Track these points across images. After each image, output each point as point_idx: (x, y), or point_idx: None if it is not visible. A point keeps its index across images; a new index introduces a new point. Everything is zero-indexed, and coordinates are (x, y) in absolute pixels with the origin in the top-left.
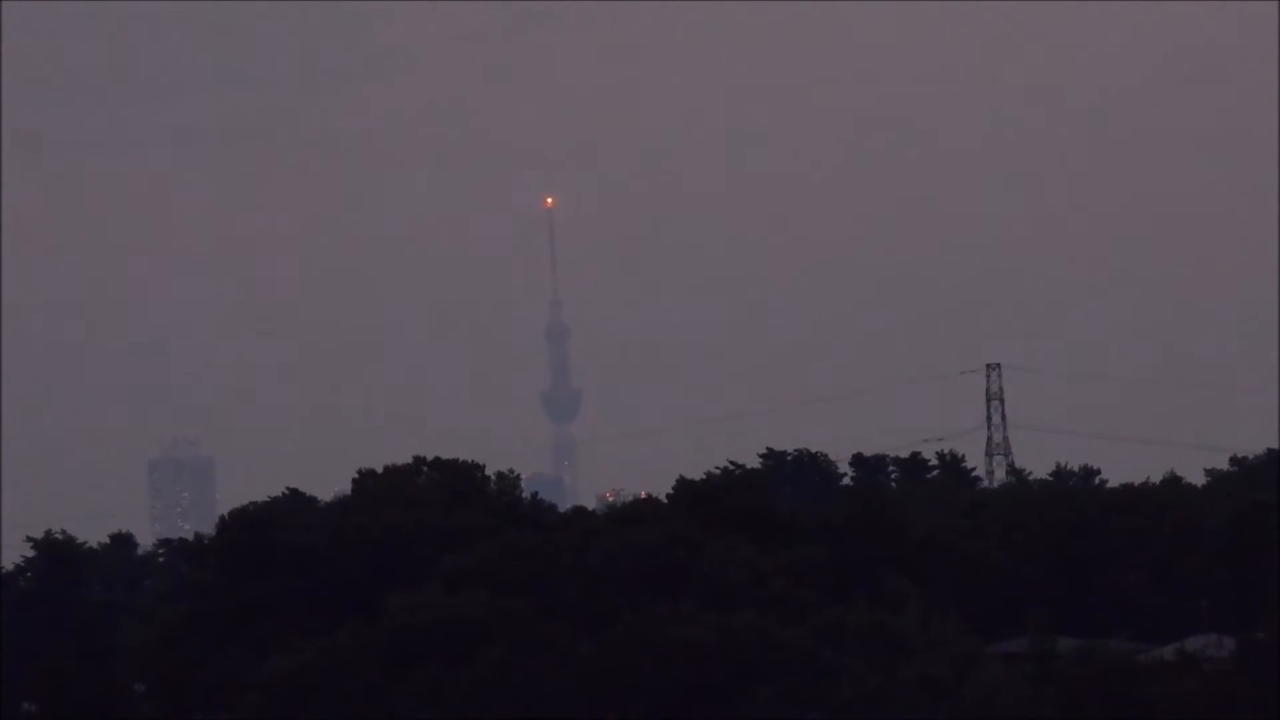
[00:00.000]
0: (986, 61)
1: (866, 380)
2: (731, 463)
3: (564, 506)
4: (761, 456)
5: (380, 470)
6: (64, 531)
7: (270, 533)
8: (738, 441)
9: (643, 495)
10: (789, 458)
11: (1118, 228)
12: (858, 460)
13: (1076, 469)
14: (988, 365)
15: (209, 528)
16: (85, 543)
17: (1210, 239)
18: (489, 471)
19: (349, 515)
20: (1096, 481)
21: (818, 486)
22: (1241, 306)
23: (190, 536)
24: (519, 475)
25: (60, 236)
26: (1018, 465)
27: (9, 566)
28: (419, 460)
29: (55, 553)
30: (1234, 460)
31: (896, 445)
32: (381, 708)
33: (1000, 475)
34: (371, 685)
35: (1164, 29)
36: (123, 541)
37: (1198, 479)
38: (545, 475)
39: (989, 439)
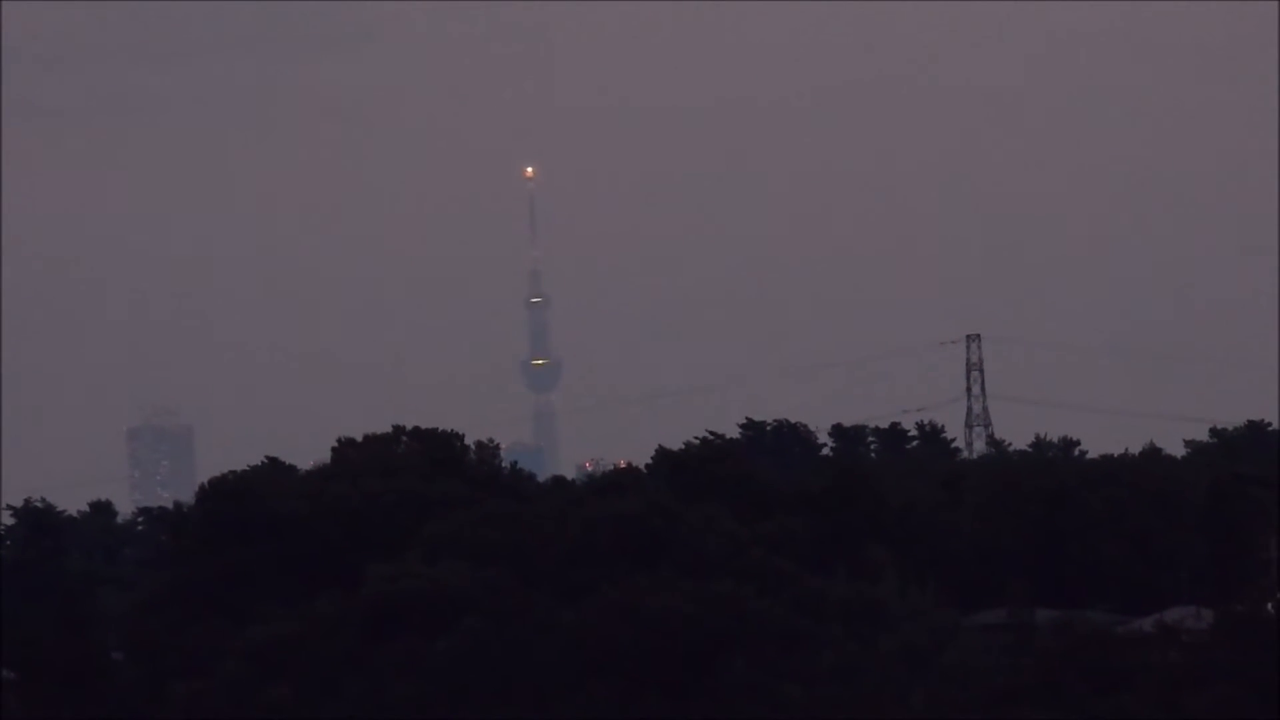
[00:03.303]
0: (971, 32)
1: (846, 351)
2: (711, 433)
3: (543, 476)
4: (741, 426)
5: (360, 439)
6: (43, 500)
7: (249, 502)
8: (717, 411)
9: (622, 464)
10: (768, 428)
11: (1100, 199)
12: (837, 431)
13: (1056, 440)
14: (968, 336)
15: (188, 496)
16: (64, 511)
17: (1192, 209)
18: (468, 441)
19: (328, 484)
20: (1076, 453)
21: (797, 457)
22: (1222, 278)
23: (169, 505)
24: (498, 445)
25: (38, 204)
26: (997, 436)
27: None
28: (398, 429)
29: (35, 521)
30: (1213, 432)
31: (876, 416)
32: (360, 676)
33: (980, 446)
34: (350, 654)
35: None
36: (102, 510)
37: (1177, 450)
38: (525, 445)
39: (969, 410)
